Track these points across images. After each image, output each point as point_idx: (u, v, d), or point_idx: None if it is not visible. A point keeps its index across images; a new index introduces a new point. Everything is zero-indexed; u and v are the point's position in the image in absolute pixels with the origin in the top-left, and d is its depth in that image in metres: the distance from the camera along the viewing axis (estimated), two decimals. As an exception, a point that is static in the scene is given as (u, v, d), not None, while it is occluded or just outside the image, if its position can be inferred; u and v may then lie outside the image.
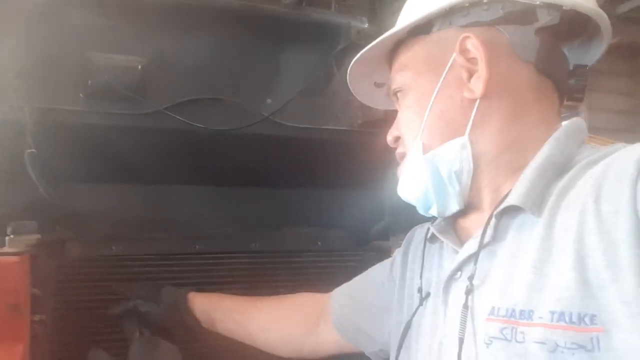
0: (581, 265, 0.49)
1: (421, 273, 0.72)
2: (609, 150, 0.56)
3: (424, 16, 0.64)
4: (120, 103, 0.96)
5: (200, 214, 1.14)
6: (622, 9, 5.02)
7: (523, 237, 0.56)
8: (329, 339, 0.90)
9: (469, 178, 0.62)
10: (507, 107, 0.62)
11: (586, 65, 0.66)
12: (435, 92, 0.64)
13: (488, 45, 0.61)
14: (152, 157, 1.03)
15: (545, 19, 0.61)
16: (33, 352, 0.75)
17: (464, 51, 0.63)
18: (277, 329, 0.95)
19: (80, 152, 0.96)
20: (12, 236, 0.80)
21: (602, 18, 0.63)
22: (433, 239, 0.71)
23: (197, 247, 1.09)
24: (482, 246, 0.59)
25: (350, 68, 0.74)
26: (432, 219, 0.71)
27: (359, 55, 0.72)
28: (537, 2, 0.61)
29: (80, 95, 0.94)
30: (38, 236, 0.83)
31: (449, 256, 0.67)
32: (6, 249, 0.79)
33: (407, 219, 1.22)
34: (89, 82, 0.93)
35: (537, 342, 0.50)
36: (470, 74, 0.62)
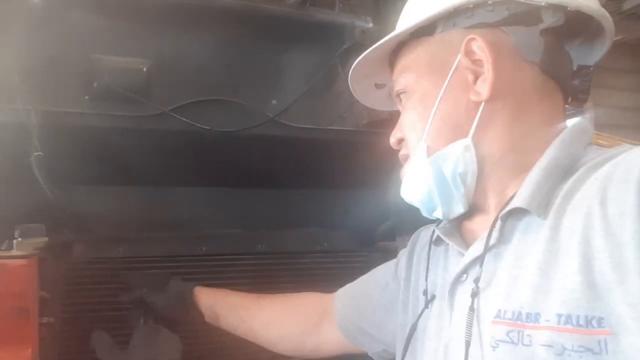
0: (587, 267, 0.49)
1: (426, 275, 0.72)
2: (614, 152, 0.56)
3: (427, 17, 0.63)
4: (125, 105, 0.96)
5: (206, 215, 1.14)
6: (627, 5, 4.99)
7: (529, 239, 0.56)
8: (332, 338, 0.90)
9: (474, 180, 0.62)
10: (512, 108, 0.61)
11: (590, 66, 0.66)
12: (440, 95, 0.63)
13: (493, 47, 0.61)
14: (158, 158, 1.03)
15: (549, 20, 0.60)
16: (42, 355, 0.76)
17: (469, 53, 0.62)
18: (280, 326, 0.96)
19: (86, 155, 0.96)
20: (20, 239, 0.80)
21: (606, 18, 0.62)
22: (438, 241, 0.71)
23: (203, 248, 1.09)
24: (487, 248, 0.59)
25: (352, 70, 0.74)
26: (438, 221, 0.71)
27: (360, 57, 0.72)
28: (542, 3, 0.60)
29: (85, 97, 0.95)
30: (46, 239, 0.83)
31: (454, 259, 0.67)
32: (14, 252, 0.79)
33: (412, 219, 1.22)
34: (94, 84, 0.93)
35: (544, 345, 0.49)
36: (476, 76, 0.62)
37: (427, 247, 0.74)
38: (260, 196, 1.19)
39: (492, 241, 0.59)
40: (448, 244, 0.68)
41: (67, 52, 0.93)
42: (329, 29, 1.12)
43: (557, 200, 0.55)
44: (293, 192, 1.21)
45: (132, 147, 0.99)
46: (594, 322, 0.47)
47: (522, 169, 0.60)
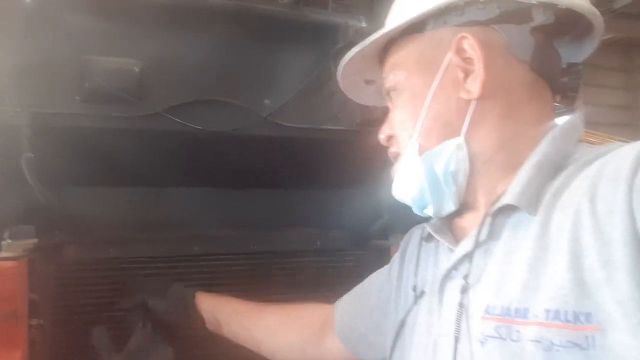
0: (576, 264, 0.49)
1: (416, 271, 0.72)
2: (605, 149, 0.56)
3: (418, 15, 0.63)
4: (117, 106, 0.95)
5: (199, 215, 1.13)
6: (618, 4, 5.03)
7: (518, 235, 0.56)
8: (333, 349, 0.89)
9: (465, 178, 0.62)
10: (502, 106, 0.61)
11: (579, 64, 0.66)
12: (430, 93, 0.63)
13: (484, 45, 0.61)
14: (150, 159, 1.02)
15: (540, 18, 0.61)
16: (32, 358, 0.75)
17: (460, 51, 0.62)
18: (281, 336, 0.95)
19: (77, 156, 0.95)
20: (9, 241, 0.80)
21: (596, 16, 0.62)
22: (429, 238, 0.71)
23: (196, 249, 1.09)
24: (477, 245, 0.59)
25: (341, 66, 0.74)
26: (430, 218, 0.71)
27: (350, 53, 0.71)
28: (533, 2, 0.60)
29: (77, 98, 0.93)
30: (35, 240, 0.82)
31: (444, 255, 0.67)
32: (3, 254, 0.79)
33: (406, 218, 1.22)
34: (86, 85, 0.92)
35: (533, 341, 0.50)
36: (466, 75, 0.62)
37: (418, 244, 0.74)
38: (253, 196, 1.19)
39: (482, 237, 0.59)
40: (439, 241, 0.68)
41: (58, 53, 0.92)
42: (323, 29, 1.12)
43: (547, 197, 0.55)
44: (286, 191, 1.20)
45: (124, 147, 0.99)
46: (582, 318, 0.47)
47: (513, 167, 0.60)
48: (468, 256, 0.59)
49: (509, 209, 0.58)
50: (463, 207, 0.65)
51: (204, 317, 0.98)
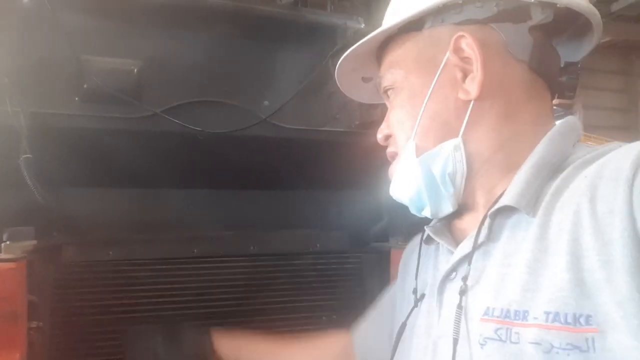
0: (576, 265, 0.49)
1: (416, 274, 0.72)
2: (604, 150, 0.56)
3: (416, 13, 0.62)
4: (116, 106, 0.95)
5: (198, 217, 1.13)
6: (616, 7, 5.04)
7: (517, 237, 0.56)
8: None
9: (463, 180, 0.62)
10: (501, 107, 0.61)
11: (577, 63, 0.66)
12: (428, 93, 0.62)
13: (482, 44, 0.60)
14: (149, 160, 1.02)
15: (538, 17, 0.60)
16: (31, 360, 0.75)
17: (458, 50, 0.61)
18: None
19: (76, 157, 0.95)
20: (8, 242, 0.79)
21: (594, 15, 0.62)
22: (429, 240, 0.71)
23: (195, 250, 1.08)
24: (476, 246, 0.58)
25: (339, 64, 0.73)
26: (430, 220, 0.71)
27: (347, 52, 0.71)
28: (532, 0, 0.60)
29: (76, 99, 0.93)
30: (35, 242, 0.82)
31: (444, 257, 0.67)
32: (2, 255, 0.78)
33: (406, 220, 1.22)
34: (84, 85, 0.92)
35: (532, 343, 0.49)
36: (465, 74, 0.61)
37: (418, 248, 0.74)
38: (252, 197, 1.18)
39: (481, 239, 0.59)
40: (439, 243, 0.68)
41: (57, 53, 0.92)
42: (321, 30, 1.12)
43: (546, 198, 0.55)
44: (286, 193, 1.20)
45: (123, 148, 0.98)
46: (582, 320, 0.47)
47: (511, 167, 0.60)
48: (467, 258, 0.59)
49: (507, 210, 0.57)
50: (462, 209, 0.64)
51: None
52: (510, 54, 0.61)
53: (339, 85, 0.78)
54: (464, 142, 0.61)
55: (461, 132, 0.61)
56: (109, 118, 0.95)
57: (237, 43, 1.07)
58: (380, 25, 0.69)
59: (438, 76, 0.62)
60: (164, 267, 1.05)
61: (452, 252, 0.63)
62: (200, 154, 1.06)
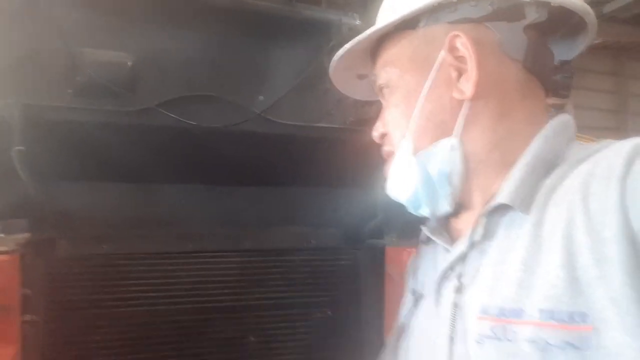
0: (570, 263, 0.49)
1: (415, 275, 0.72)
2: (597, 147, 0.56)
3: (411, 12, 0.62)
4: (109, 100, 0.94)
5: (192, 212, 1.13)
6: (608, 8, 5.08)
7: (512, 235, 0.56)
8: None
9: (459, 179, 0.62)
10: (495, 106, 0.61)
11: (571, 62, 0.66)
12: (423, 92, 0.63)
13: (477, 44, 0.60)
14: (143, 154, 1.01)
15: (533, 16, 0.60)
16: (24, 354, 0.74)
17: (452, 49, 0.61)
18: None
19: (69, 150, 0.94)
20: (1, 235, 0.78)
21: (588, 14, 0.62)
22: (427, 240, 0.71)
23: (189, 245, 1.08)
24: (472, 245, 0.59)
25: (333, 62, 0.73)
26: (425, 218, 0.71)
27: (342, 50, 0.71)
28: None
29: (69, 91, 0.93)
30: (28, 235, 0.81)
31: (442, 256, 0.67)
32: (-5, 249, 0.78)
33: (401, 217, 1.22)
34: (78, 78, 0.92)
35: (528, 341, 0.50)
36: (459, 73, 0.61)
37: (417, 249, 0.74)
38: (247, 193, 1.18)
39: (477, 238, 0.59)
40: (436, 243, 0.68)
41: (50, 45, 0.91)
42: (316, 26, 1.12)
43: (540, 196, 0.55)
44: (280, 189, 1.20)
45: (117, 142, 0.98)
46: (577, 318, 0.47)
47: (506, 166, 0.60)
48: (463, 256, 0.59)
49: (502, 209, 0.57)
50: (458, 208, 0.65)
51: None
52: (505, 53, 0.61)
53: (333, 82, 0.78)
54: (460, 141, 0.61)
55: (458, 132, 0.61)
56: (103, 111, 0.94)
57: (232, 38, 1.06)
58: (375, 22, 0.69)
59: (433, 75, 0.62)
60: (157, 261, 1.04)
61: (449, 251, 0.64)
62: (194, 149, 1.06)
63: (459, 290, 0.58)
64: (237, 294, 1.10)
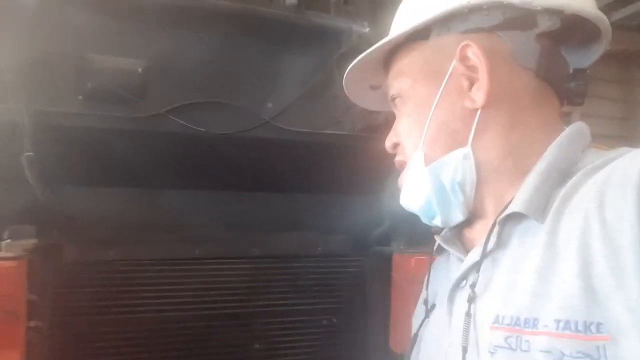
0: (586, 272, 0.48)
1: (427, 285, 0.71)
2: (613, 155, 0.55)
3: (422, 22, 0.62)
4: (119, 106, 0.94)
5: (200, 218, 1.13)
6: (615, 16, 5.07)
7: (526, 243, 0.55)
8: None
9: (473, 188, 0.61)
10: (508, 115, 0.61)
11: (586, 69, 0.65)
12: (435, 102, 0.62)
13: (489, 53, 0.60)
14: (152, 160, 1.01)
15: (545, 24, 0.60)
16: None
17: (464, 59, 0.61)
18: None
19: (78, 156, 0.95)
20: (9, 240, 0.79)
21: (603, 21, 0.62)
22: (439, 250, 0.70)
23: (196, 252, 1.07)
24: (485, 254, 0.58)
25: (347, 73, 0.73)
26: (437, 228, 0.70)
27: (355, 61, 0.71)
28: (538, 8, 0.60)
29: (79, 97, 0.93)
30: (35, 241, 0.81)
31: (455, 266, 0.66)
32: (3, 254, 0.78)
33: (408, 224, 1.22)
34: (88, 84, 0.92)
35: (543, 351, 0.49)
36: (471, 83, 0.61)
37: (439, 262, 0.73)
38: (255, 199, 1.18)
39: (490, 246, 0.58)
40: (449, 253, 0.67)
41: (61, 51, 0.91)
42: (326, 33, 1.12)
43: (555, 204, 0.54)
44: (288, 195, 1.20)
45: (126, 148, 0.98)
46: (593, 328, 0.46)
47: (520, 174, 0.59)
48: (476, 266, 0.58)
49: (517, 217, 0.57)
50: (472, 217, 0.64)
51: None
52: (517, 62, 0.61)
53: (346, 93, 0.78)
54: (473, 150, 0.61)
55: (470, 141, 0.60)
56: (112, 117, 0.95)
57: (242, 45, 1.07)
58: (384, 30, 0.69)
59: (444, 85, 0.62)
60: (164, 267, 1.04)
61: (462, 261, 0.63)
62: (203, 155, 1.06)
63: (472, 300, 0.57)
64: (243, 300, 1.09)
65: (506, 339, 0.52)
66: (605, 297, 0.47)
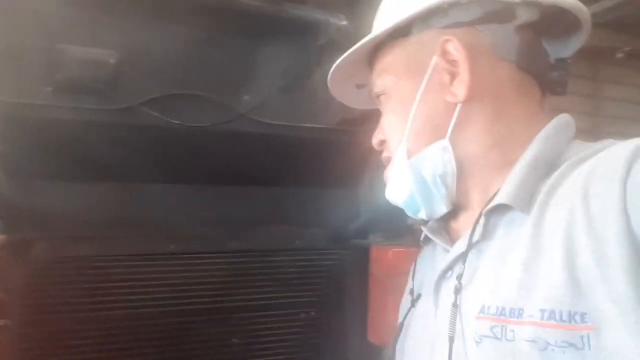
0: (571, 263, 0.49)
1: (413, 275, 0.72)
2: (598, 147, 0.56)
3: (402, 19, 0.62)
4: (90, 98, 0.92)
5: (176, 213, 1.10)
6: (584, 14, 5.22)
7: (512, 235, 0.56)
8: None
9: (454, 180, 0.62)
10: (491, 107, 0.61)
11: (567, 59, 0.66)
12: (417, 97, 0.63)
13: (469, 47, 0.60)
14: (125, 154, 0.99)
15: (524, 16, 0.60)
16: (-2, 360, 0.71)
17: (445, 54, 0.62)
18: None
19: (48, 149, 0.92)
20: (-25, 237, 0.75)
21: (582, 11, 0.63)
22: (426, 240, 0.71)
23: (172, 247, 1.06)
24: (471, 245, 0.58)
25: (331, 72, 0.73)
26: (416, 220, 0.71)
27: (338, 60, 0.71)
28: (516, 0, 0.60)
29: (48, 89, 0.90)
30: (3, 237, 0.79)
31: (441, 257, 0.67)
32: (-32, 251, 0.75)
33: (385, 217, 1.23)
34: (58, 75, 0.89)
35: (528, 341, 0.49)
36: (452, 77, 0.61)
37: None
38: (232, 193, 1.17)
39: (476, 238, 0.59)
40: (436, 243, 0.68)
41: (30, 41, 0.88)
42: (303, 25, 1.11)
43: (541, 196, 0.55)
44: (265, 189, 1.19)
45: (98, 141, 0.95)
46: (577, 318, 0.47)
47: (505, 166, 0.60)
48: (462, 256, 0.59)
49: (502, 209, 0.57)
50: (457, 208, 0.65)
51: None
52: (498, 55, 0.61)
53: (332, 92, 0.78)
54: (454, 143, 0.61)
55: (448, 134, 0.61)
56: (83, 109, 0.92)
57: (218, 36, 1.05)
58: (362, 23, 0.69)
59: (426, 80, 0.62)
60: (139, 263, 1.02)
61: (448, 252, 0.64)
62: (178, 148, 1.04)
63: (458, 291, 0.57)
64: (221, 295, 1.08)
65: (491, 328, 0.53)
66: (589, 288, 0.47)
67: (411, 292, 0.70)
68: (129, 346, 0.99)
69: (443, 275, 0.63)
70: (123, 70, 0.94)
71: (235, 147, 1.09)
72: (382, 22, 0.67)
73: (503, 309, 0.52)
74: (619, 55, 6.38)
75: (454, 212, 0.65)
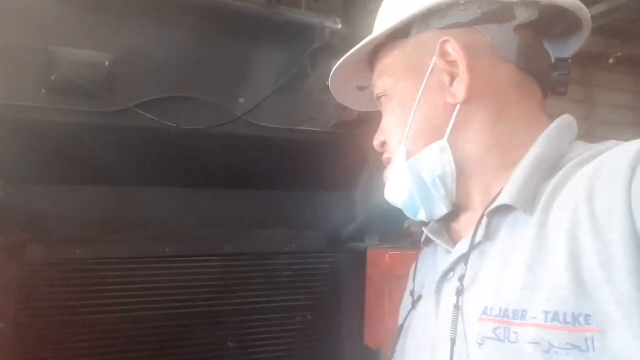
0: (575, 265, 0.48)
1: (414, 277, 0.72)
2: (601, 148, 0.56)
3: (401, 21, 0.63)
4: (85, 100, 0.91)
5: (171, 216, 1.10)
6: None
7: (515, 236, 0.55)
8: None
9: (454, 181, 0.62)
10: (490, 107, 0.61)
11: (568, 59, 0.66)
12: (417, 98, 0.63)
13: (468, 47, 0.60)
14: (120, 157, 0.98)
15: (523, 16, 0.60)
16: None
17: (444, 54, 0.61)
18: None
19: (42, 151, 0.91)
20: (-31, 239, 0.75)
21: (582, 10, 0.62)
22: (427, 241, 0.71)
23: (167, 250, 1.05)
24: (473, 246, 0.58)
25: (332, 74, 0.73)
26: (420, 222, 0.70)
27: (339, 63, 0.71)
28: (515, 0, 0.60)
29: (43, 91, 0.89)
30: (-2, 239, 0.78)
31: (442, 258, 0.66)
32: (-38, 253, 0.74)
33: (381, 220, 1.23)
34: (52, 77, 0.89)
35: (531, 343, 0.49)
36: (452, 78, 0.61)
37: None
38: (227, 196, 1.16)
39: (478, 239, 0.58)
40: (437, 244, 0.68)
41: (24, 43, 0.88)
42: (299, 29, 1.11)
43: (544, 197, 0.55)
44: (261, 192, 1.18)
45: (93, 144, 0.95)
46: (582, 320, 0.47)
47: (507, 167, 0.59)
48: (464, 258, 0.58)
49: (505, 209, 0.57)
50: (458, 209, 0.64)
51: None
52: (498, 55, 0.61)
53: (334, 95, 0.77)
54: (454, 144, 0.61)
55: (447, 135, 0.61)
56: (78, 112, 0.91)
57: (214, 39, 1.05)
58: (358, 27, 0.69)
59: (426, 81, 0.62)
60: (134, 266, 1.01)
61: (450, 253, 0.63)
62: (173, 151, 1.03)
63: (461, 292, 0.57)
64: (216, 299, 1.07)
65: (494, 330, 0.52)
66: (594, 289, 0.47)
67: (412, 293, 0.70)
68: (124, 349, 0.98)
69: (445, 277, 0.62)
70: (118, 72, 0.94)
71: (231, 150, 1.09)
72: (382, 23, 0.67)
73: (506, 310, 0.52)
74: (611, 61, 6.45)
75: (455, 213, 0.64)
